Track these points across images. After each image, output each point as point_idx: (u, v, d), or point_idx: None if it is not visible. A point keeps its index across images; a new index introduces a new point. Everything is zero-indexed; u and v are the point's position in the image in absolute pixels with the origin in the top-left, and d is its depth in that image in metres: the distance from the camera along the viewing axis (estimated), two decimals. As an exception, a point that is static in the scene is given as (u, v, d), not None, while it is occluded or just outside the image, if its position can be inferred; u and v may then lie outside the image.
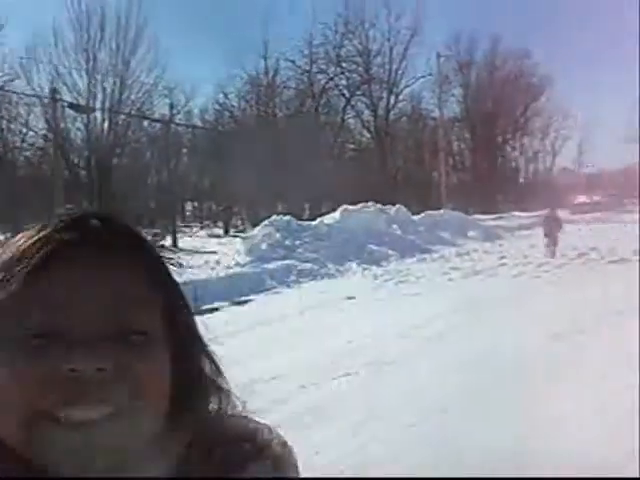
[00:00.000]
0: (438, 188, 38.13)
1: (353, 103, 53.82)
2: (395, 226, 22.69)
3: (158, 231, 28.92)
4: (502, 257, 18.33)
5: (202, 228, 39.66)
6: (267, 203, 41.75)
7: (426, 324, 9.77)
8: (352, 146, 54.88)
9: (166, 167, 39.40)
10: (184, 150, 47.62)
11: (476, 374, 6.96)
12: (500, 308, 10.91)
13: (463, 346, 8.26)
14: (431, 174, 49.75)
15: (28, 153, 37.27)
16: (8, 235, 0.75)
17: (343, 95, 52.61)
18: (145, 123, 40.40)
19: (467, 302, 11.58)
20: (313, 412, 5.98)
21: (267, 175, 40.79)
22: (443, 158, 40.24)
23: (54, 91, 29.13)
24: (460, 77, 62.75)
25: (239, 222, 43.03)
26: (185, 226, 39.28)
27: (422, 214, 26.64)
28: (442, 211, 29.62)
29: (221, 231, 39.54)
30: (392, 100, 55.18)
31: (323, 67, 51.31)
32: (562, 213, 45.84)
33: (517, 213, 44.93)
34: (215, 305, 12.50)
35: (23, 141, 35.98)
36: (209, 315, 11.61)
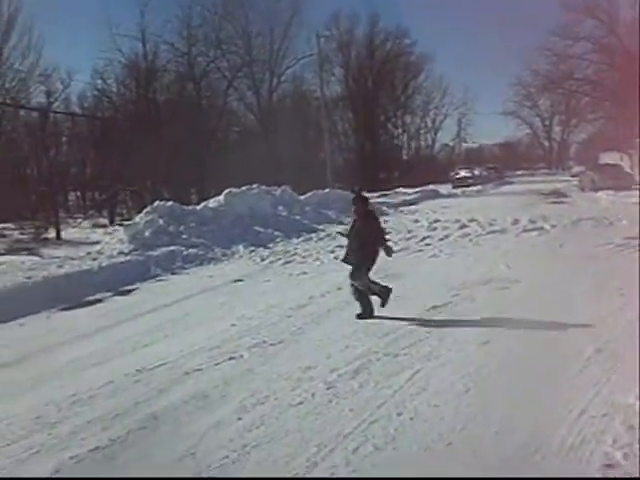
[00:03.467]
0: (324, 168, 38.28)
1: (235, 85, 53.32)
2: (281, 207, 22.69)
3: (40, 223, 27.98)
4: (387, 233, 18.58)
5: (86, 218, 38.47)
6: (152, 190, 40.98)
7: (311, 302, 9.83)
8: (236, 129, 54.48)
9: (45, 157, 38.04)
10: (64, 139, 46.10)
11: (361, 348, 7.07)
12: (384, 281, 11.11)
13: (348, 321, 8.36)
14: (316, 154, 49.98)
15: None
16: None
17: (225, 77, 52.01)
18: (22, 112, 38.83)
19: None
20: (197, 399, 5.92)
21: (150, 161, 40.02)
22: (327, 138, 40.45)
23: None
24: (340, 57, 63.35)
25: (124, 211, 41.97)
26: (69, 217, 38.01)
27: (308, 194, 26.75)
28: (327, 190, 29.84)
29: (106, 220, 38.52)
30: (274, 81, 55.12)
31: (203, 50, 50.51)
32: (444, 187, 47.51)
33: (401, 189, 45.76)
34: (98, 296, 12.15)
35: None
36: (92, 307, 11.33)
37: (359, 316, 8.48)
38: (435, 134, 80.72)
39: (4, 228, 27.79)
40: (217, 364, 6.92)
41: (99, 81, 46.66)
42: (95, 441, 5.15)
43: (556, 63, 54.60)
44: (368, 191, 43.82)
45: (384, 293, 8.63)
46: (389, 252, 8.93)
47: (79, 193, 49.67)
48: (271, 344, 7.56)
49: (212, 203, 21.08)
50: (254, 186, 23.20)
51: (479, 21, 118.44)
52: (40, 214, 30.77)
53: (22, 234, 26.67)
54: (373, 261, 8.73)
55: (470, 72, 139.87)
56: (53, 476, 4.68)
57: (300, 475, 4.32)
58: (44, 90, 41.86)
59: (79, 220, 36.93)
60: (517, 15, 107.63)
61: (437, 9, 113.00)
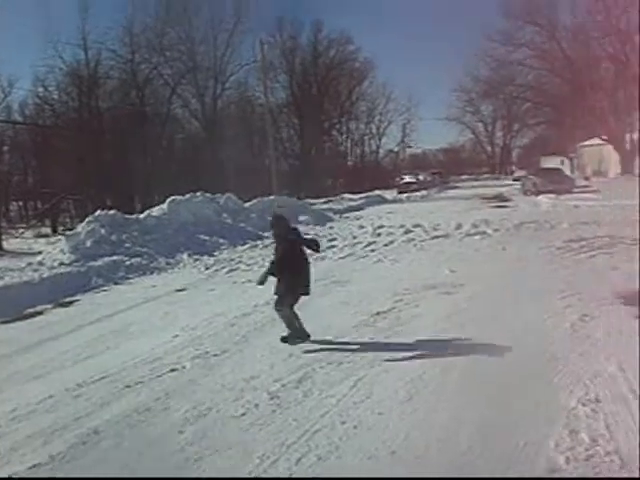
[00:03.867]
0: (269, 175, 38.21)
1: (179, 92, 53.02)
2: (225, 214, 22.57)
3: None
4: (332, 239, 18.66)
5: (28, 228, 37.88)
6: (96, 198, 40.44)
7: (255, 310, 9.76)
8: (180, 136, 54.16)
9: (-14, 166, 37.41)
10: (5, 148, 45.32)
11: (305, 357, 7.05)
12: (326, 291, 11.08)
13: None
14: (262, 161, 49.92)
15: None
16: None
17: (168, 84, 51.65)
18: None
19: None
20: (138, 412, 5.82)
21: (94, 169, 39.54)
22: (272, 144, 40.36)
23: None
24: (285, 64, 63.45)
25: (67, 220, 41.37)
26: (11, 227, 37.40)
27: (253, 201, 26.65)
28: (273, 197, 29.76)
29: (49, 230, 37.98)
30: (219, 88, 54.89)
31: (146, 56, 50.06)
32: (390, 193, 47.87)
33: (347, 195, 45.98)
34: (39, 308, 11.90)
35: None
36: (32, 319, 11.08)
37: (284, 339, 7.57)
38: (380, 140, 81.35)
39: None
40: (159, 376, 6.82)
41: (41, 89, 45.97)
42: (35, 457, 5.07)
43: (497, 69, 55.67)
44: (314, 197, 44.16)
45: (298, 336, 7.55)
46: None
47: (21, 203, 48.87)
48: (214, 354, 7.48)
49: (155, 211, 20.85)
50: (198, 194, 23.05)
51: (422, 28, 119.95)
52: (-19, 224, 30.25)
53: (-38, 245, 26.19)
54: (299, 289, 7.64)
55: (413, 79, 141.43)
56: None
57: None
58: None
59: (21, 230, 36.33)
60: (459, 22, 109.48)
61: (380, 17, 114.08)
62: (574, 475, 4.13)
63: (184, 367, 7.07)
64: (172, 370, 6.99)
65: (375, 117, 78.38)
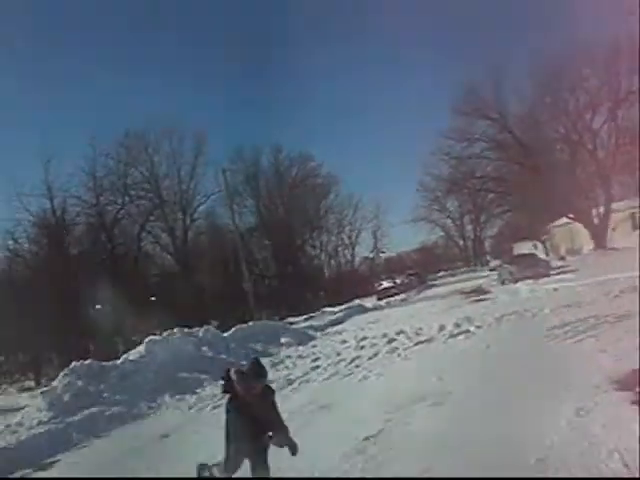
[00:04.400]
0: (247, 299, 38.02)
1: (149, 229, 53.43)
2: (205, 348, 22.09)
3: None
4: (315, 359, 18.28)
5: (12, 383, 37.20)
6: (77, 345, 40.05)
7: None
8: (155, 272, 54.17)
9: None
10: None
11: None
12: (312, 418, 10.70)
13: (272, 461, 7.89)
14: (238, 285, 49.86)
15: None
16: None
17: (137, 222, 52.09)
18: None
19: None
20: None
21: (73, 316, 39.29)
22: (246, 269, 40.41)
23: None
24: (249, 189, 64.42)
25: (50, 371, 40.74)
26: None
27: (232, 330, 26.27)
28: (251, 323, 29.35)
29: (32, 383, 37.28)
30: (187, 220, 55.45)
31: (111, 198, 50.74)
32: (369, 300, 47.68)
33: (327, 309, 45.65)
34: (18, 475, 11.39)
35: None
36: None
37: None
38: (353, 249, 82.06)
39: None
40: None
41: (10, 242, 46.46)
42: None
43: (456, 166, 56.80)
44: (295, 315, 43.80)
45: None
46: (294, 449, 6.33)
47: (2, 357, 48.24)
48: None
49: (133, 355, 20.37)
50: (176, 330, 22.65)
51: (376, 137, 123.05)
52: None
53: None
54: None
55: (378, 186, 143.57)
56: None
57: None
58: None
59: (4, 386, 35.71)
60: (412, 122, 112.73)
61: (333, 130, 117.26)
62: None
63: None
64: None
65: (345, 227, 79.41)
